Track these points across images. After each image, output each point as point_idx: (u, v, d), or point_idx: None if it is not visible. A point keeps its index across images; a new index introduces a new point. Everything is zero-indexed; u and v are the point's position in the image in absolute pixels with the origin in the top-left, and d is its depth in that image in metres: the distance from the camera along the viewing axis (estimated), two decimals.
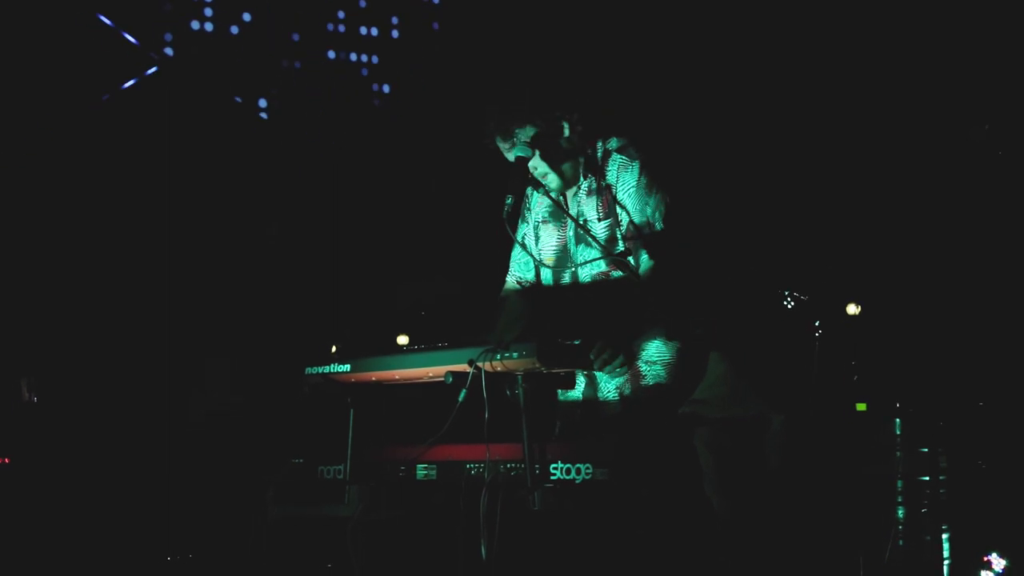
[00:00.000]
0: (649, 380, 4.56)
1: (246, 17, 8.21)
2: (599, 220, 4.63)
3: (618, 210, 4.60)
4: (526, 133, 4.57)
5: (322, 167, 8.33)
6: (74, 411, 7.06)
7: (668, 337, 4.57)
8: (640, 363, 4.57)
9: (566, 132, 4.62)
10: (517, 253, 4.95)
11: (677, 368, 4.58)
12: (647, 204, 4.56)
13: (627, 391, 4.57)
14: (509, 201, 4.52)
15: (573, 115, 4.63)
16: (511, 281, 4.97)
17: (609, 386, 4.60)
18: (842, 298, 7.30)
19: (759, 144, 7.93)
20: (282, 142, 8.23)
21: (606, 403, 4.60)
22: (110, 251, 7.55)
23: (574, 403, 4.70)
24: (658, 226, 4.55)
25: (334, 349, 4.48)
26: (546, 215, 4.83)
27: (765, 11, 8.05)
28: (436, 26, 8.85)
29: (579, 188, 4.70)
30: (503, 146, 4.62)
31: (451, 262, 8.04)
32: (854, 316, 7.35)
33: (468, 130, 4.75)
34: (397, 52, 8.71)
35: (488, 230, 4.91)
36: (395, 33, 8.74)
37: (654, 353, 4.58)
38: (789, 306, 6.95)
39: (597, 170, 4.67)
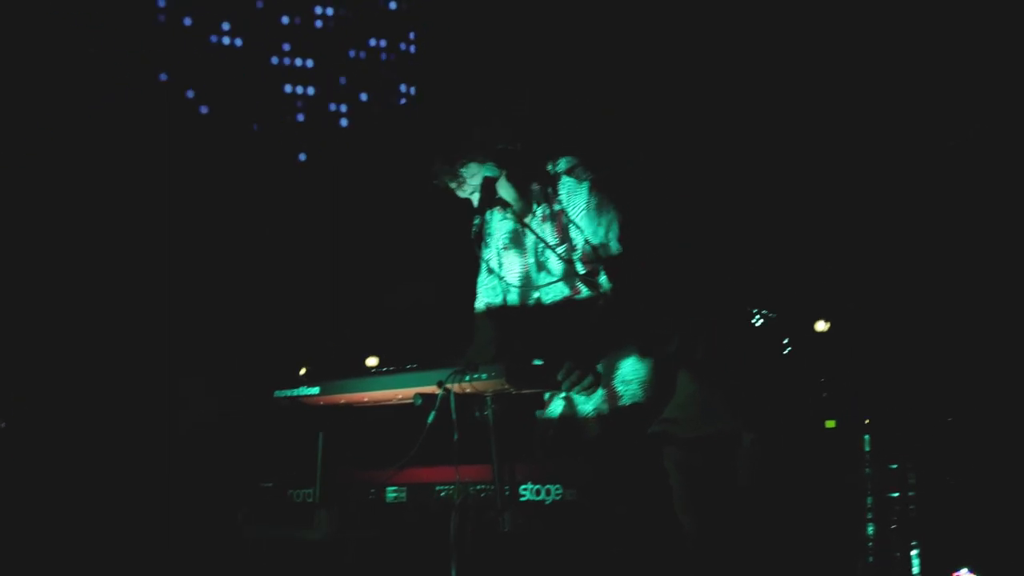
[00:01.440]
0: (626, 400, 4.56)
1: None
2: (557, 245, 4.62)
3: (572, 233, 4.59)
4: (470, 171, 4.56)
5: (294, 185, 8.32)
6: (42, 436, 7.03)
7: (641, 355, 4.57)
8: (616, 382, 4.57)
9: (514, 156, 4.60)
10: (484, 278, 4.94)
11: (653, 386, 4.58)
12: (599, 224, 4.55)
13: (604, 410, 4.57)
14: (476, 222, 4.52)
15: (516, 144, 4.60)
16: (480, 306, 4.96)
17: (586, 406, 4.60)
18: (811, 315, 7.33)
19: (725, 160, 7.95)
20: (256, 162, 8.23)
21: (584, 422, 4.60)
22: (82, 274, 7.52)
23: (549, 422, 4.70)
24: (613, 246, 4.54)
25: (303, 371, 4.46)
26: (507, 242, 4.82)
27: (715, 27, 8.07)
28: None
29: (534, 214, 4.69)
30: (452, 185, 4.60)
31: (423, 282, 8.03)
32: (823, 333, 7.38)
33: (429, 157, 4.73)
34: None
35: (458, 249, 4.91)
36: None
37: (630, 372, 4.58)
38: (758, 324, 6.96)
39: (548, 195, 4.65)
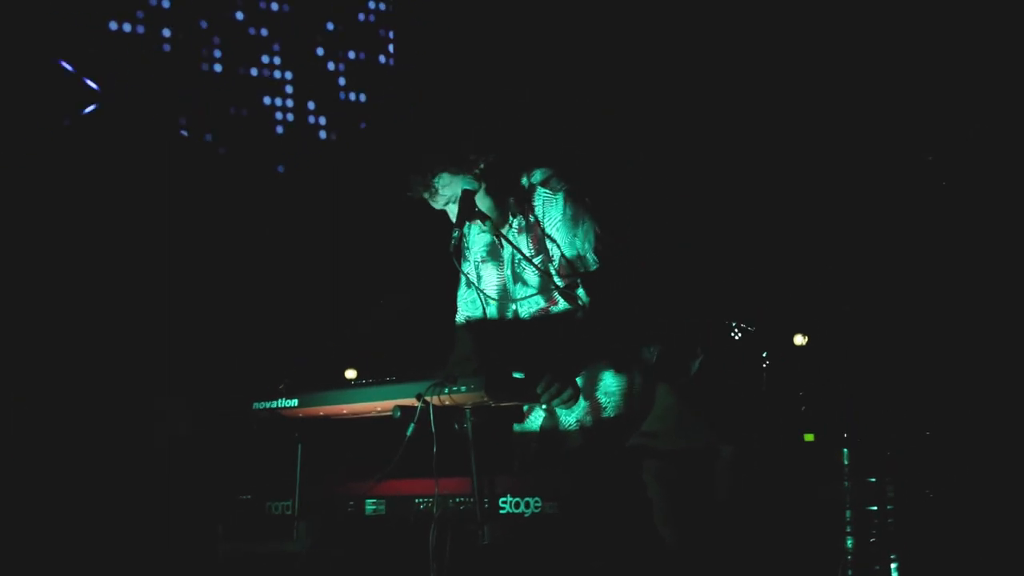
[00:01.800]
0: (609, 411, 4.56)
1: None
2: (533, 256, 4.61)
3: (548, 244, 4.59)
4: (442, 181, 4.56)
5: (274, 196, 8.32)
6: (18, 447, 7.00)
7: (616, 369, 4.57)
8: (599, 394, 4.57)
9: (486, 168, 4.60)
10: (463, 291, 4.94)
11: (636, 398, 4.58)
12: (575, 236, 4.55)
13: (588, 422, 4.56)
14: (455, 234, 4.53)
15: (489, 156, 4.60)
16: (460, 319, 4.96)
17: (569, 418, 4.59)
18: (789, 329, 7.35)
19: (701, 170, 7.96)
20: (234, 174, 8.22)
21: (566, 434, 4.60)
22: (56, 285, 7.49)
23: (530, 435, 4.69)
24: (589, 257, 4.54)
25: (281, 385, 4.45)
26: (484, 254, 4.81)
27: (689, 35, 8.08)
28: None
29: (511, 226, 4.69)
30: (426, 195, 4.60)
31: (401, 294, 8.02)
32: (801, 347, 7.39)
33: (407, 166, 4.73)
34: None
35: (437, 261, 4.91)
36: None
37: (612, 383, 4.58)
38: (736, 337, 6.98)
39: (524, 207, 4.65)
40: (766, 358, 6.99)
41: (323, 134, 8.68)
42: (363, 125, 8.74)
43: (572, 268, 4.54)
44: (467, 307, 4.93)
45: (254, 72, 8.54)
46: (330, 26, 8.81)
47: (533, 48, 8.14)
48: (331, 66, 8.79)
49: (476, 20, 8.44)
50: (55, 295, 7.47)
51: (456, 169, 4.54)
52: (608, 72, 8.13)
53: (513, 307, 4.71)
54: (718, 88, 8.03)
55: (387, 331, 7.66)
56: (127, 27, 8.08)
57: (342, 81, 8.79)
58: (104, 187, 7.71)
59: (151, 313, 7.71)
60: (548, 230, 4.58)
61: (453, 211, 4.59)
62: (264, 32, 8.59)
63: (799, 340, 7.36)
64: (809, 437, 6.75)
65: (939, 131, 7.44)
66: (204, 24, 8.35)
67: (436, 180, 4.54)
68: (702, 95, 8.04)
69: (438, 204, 4.60)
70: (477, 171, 4.56)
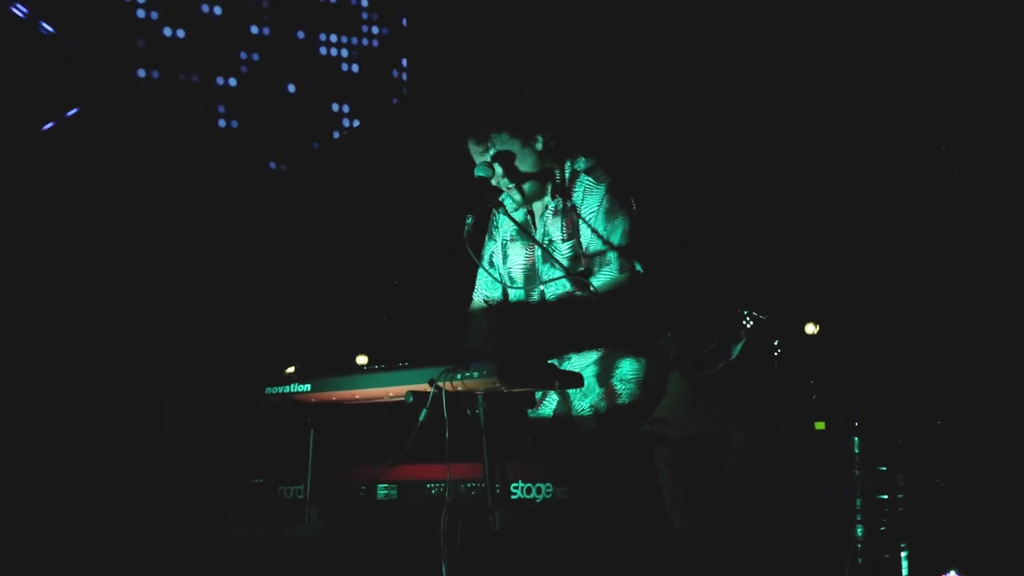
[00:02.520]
0: (624, 398, 4.57)
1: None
2: (563, 241, 4.64)
3: (582, 230, 4.61)
4: (501, 139, 4.58)
5: (285, 185, 8.31)
6: (30, 436, 7.01)
7: (633, 356, 4.58)
8: (614, 380, 4.59)
9: (539, 146, 4.63)
10: (484, 272, 4.94)
11: (652, 386, 4.60)
12: (610, 226, 4.57)
13: (602, 408, 4.58)
14: (470, 220, 4.54)
15: (548, 131, 4.64)
16: (478, 300, 4.97)
17: (583, 404, 4.61)
18: (800, 317, 7.33)
19: (716, 164, 7.96)
20: (241, 162, 8.21)
21: (580, 420, 4.61)
22: (67, 274, 7.50)
23: (544, 420, 4.70)
24: (611, 255, 4.56)
25: (292, 369, 4.46)
26: (513, 233, 4.83)
27: (736, 35, 8.08)
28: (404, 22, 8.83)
29: (546, 208, 4.71)
30: (476, 150, 4.63)
31: (414, 279, 8.02)
32: (812, 335, 7.38)
33: (432, 148, 4.76)
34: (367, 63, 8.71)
35: (450, 246, 4.92)
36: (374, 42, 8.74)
37: (628, 371, 4.60)
38: (748, 325, 6.97)
39: (564, 191, 4.68)
40: (778, 346, 6.98)
41: (346, 122, 8.66)
42: (395, 101, 8.72)
43: (595, 258, 4.56)
44: (486, 287, 4.94)
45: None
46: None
47: (532, 48, 8.15)
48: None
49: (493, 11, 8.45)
50: (69, 285, 7.47)
51: (516, 132, 4.57)
52: (614, 70, 8.14)
53: (540, 289, 4.72)
54: (731, 84, 8.03)
55: (398, 316, 7.67)
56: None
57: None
58: (117, 177, 7.71)
59: (163, 299, 7.72)
60: (584, 216, 4.60)
61: (488, 175, 4.60)
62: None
63: (810, 329, 7.35)
64: (820, 425, 6.74)
65: (955, 120, 7.42)
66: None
67: (496, 136, 4.56)
68: (717, 89, 8.04)
69: (480, 163, 4.61)
70: (533, 143, 4.59)
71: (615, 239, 4.56)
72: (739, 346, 5.76)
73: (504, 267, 4.84)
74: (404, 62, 8.71)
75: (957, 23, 7.52)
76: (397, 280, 6.34)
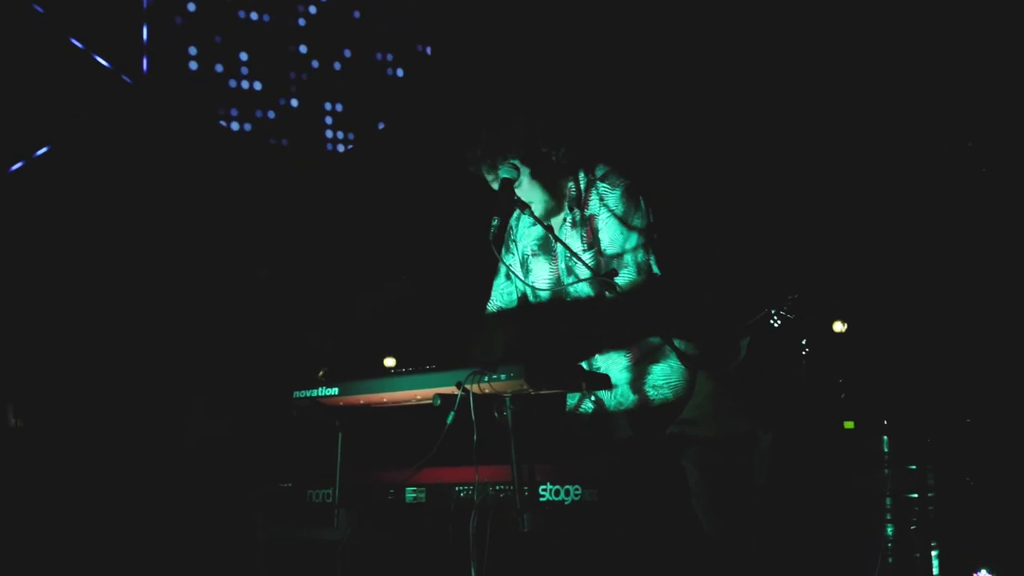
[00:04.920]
0: (657, 403, 4.59)
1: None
2: (584, 251, 4.64)
3: (600, 237, 4.61)
4: (511, 162, 4.58)
5: (305, 189, 8.33)
6: (60, 437, 7.04)
7: (665, 362, 4.60)
8: (647, 387, 4.60)
9: (553, 160, 4.62)
10: (501, 282, 4.94)
11: (684, 392, 4.62)
12: (626, 228, 4.58)
13: (635, 413, 4.60)
14: (495, 223, 4.53)
15: (559, 149, 4.63)
16: (492, 308, 4.96)
17: (617, 409, 4.62)
18: (828, 316, 7.31)
19: (740, 162, 7.95)
20: (257, 164, 8.24)
21: (614, 425, 4.62)
22: (97, 275, 7.53)
23: (582, 418, 4.70)
24: (640, 253, 4.56)
25: (321, 373, 4.47)
26: (535, 247, 4.83)
27: (744, 39, 8.07)
28: (428, 51, 8.89)
29: (564, 221, 4.71)
30: (488, 175, 4.62)
31: (437, 282, 8.04)
32: (840, 334, 7.35)
33: (455, 152, 4.76)
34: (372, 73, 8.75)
35: (473, 249, 4.92)
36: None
37: (660, 377, 4.61)
38: (776, 324, 6.95)
39: (580, 202, 4.68)
40: (805, 345, 6.96)
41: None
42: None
43: (613, 260, 4.56)
44: (501, 298, 4.94)
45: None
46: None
47: (532, 49, 8.17)
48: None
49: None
50: (99, 292, 7.51)
51: (528, 154, 4.57)
52: (625, 75, 8.15)
53: (566, 295, 4.73)
54: (745, 86, 8.03)
55: (424, 320, 7.69)
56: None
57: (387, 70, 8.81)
58: (141, 179, 7.74)
59: (193, 304, 7.74)
60: (602, 221, 4.61)
61: (513, 176, 4.59)
62: (301, 22, 8.60)
63: (838, 327, 7.33)
64: (849, 425, 6.71)
65: (979, 117, 7.40)
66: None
67: (507, 160, 4.56)
68: (733, 92, 8.04)
69: (496, 182, 4.61)
70: (534, 160, 4.59)
71: (632, 242, 4.57)
72: (746, 343, 5.75)
73: (529, 280, 4.83)
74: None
75: (967, 22, 7.51)
76: (406, 276, 6.37)
